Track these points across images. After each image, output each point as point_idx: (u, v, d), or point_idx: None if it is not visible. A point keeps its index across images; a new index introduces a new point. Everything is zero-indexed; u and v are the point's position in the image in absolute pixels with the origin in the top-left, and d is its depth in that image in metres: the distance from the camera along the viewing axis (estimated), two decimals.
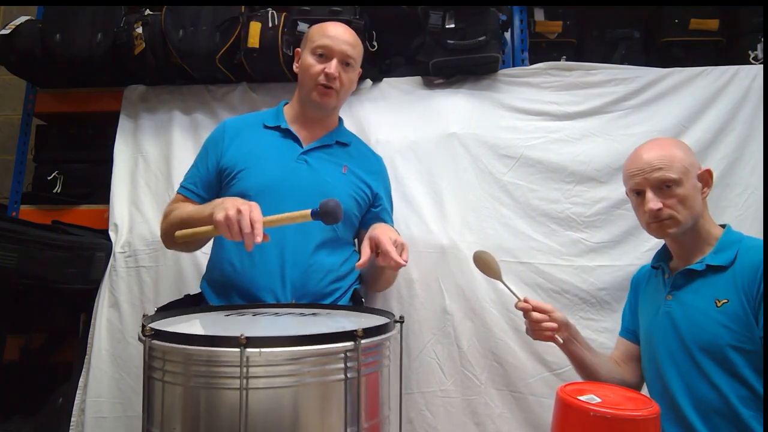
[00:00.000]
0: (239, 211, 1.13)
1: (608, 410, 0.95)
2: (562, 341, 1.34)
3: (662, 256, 1.41)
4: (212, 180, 1.52)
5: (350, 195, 1.52)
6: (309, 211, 1.17)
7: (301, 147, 1.54)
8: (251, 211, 1.14)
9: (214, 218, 1.16)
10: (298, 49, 1.60)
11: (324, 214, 1.17)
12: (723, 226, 1.33)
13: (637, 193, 1.32)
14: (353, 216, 1.54)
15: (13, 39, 2.12)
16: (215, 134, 1.59)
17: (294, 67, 1.61)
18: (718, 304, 1.21)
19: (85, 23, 2.07)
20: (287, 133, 1.55)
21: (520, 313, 1.76)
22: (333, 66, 1.49)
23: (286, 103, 1.64)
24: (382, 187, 1.64)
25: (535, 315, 1.32)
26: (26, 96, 2.30)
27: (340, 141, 1.60)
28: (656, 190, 1.27)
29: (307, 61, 1.52)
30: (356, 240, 1.65)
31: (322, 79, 1.49)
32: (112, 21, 2.07)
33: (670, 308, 1.29)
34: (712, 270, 1.25)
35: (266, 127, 1.56)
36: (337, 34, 1.52)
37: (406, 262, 1.29)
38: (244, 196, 1.43)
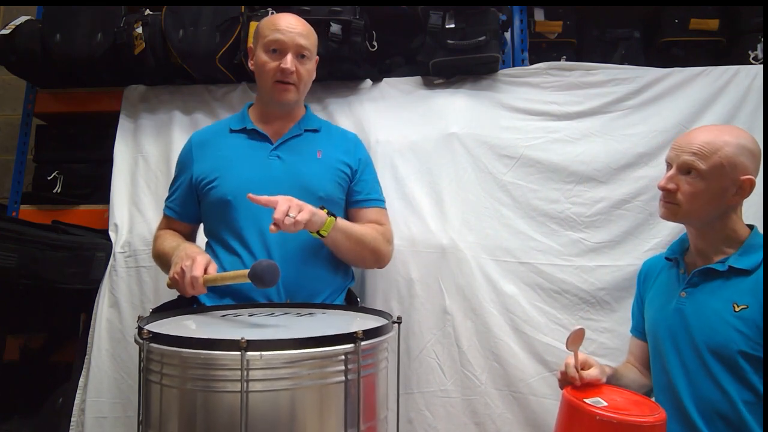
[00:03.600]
0: (182, 270, 1.23)
1: (614, 415, 0.95)
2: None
3: (679, 248, 1.37)
4: (187, 197, 1.56)
5: (330, 179, 1.51)
6: (246, 271, 1.12)
7: (272, 144, 1.53)
8: (192, 268, 1.21)
9: (169, 276, 1.29)
10: (251, 46, 1.57)
11: (253, 277, 1.10)
12: (750, 226, 1.28)
13: (668, 165, 1.27)
14: (338, 199, 1.54)
15: (13, 39, 2.12)
16: (183, 151, 1.61)
17: (249, 64, 1.58)
18: (736, 309, 1.17)
19: (85, 23, 2.07)
20: (255, 134, 1.55)
21: (520, 313, 1.78)
22: (288, 61, 1.46)
23: (251, 105, 1.64)
24: (357, 161, 1.60)
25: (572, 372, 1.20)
26: (26, 96, 2.30)
27: (309, 128, 1.58)
28: (680, 171, 1.23)
29: (261, 58, 1.50)
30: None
31: (278, 75, 1.47)
32: (112, 21, 2.06)
33: (683, 305, 1.25)
34: (735, 272, 1.20)
35: (233, 131, 1.56)
36: (289, 26, 1.48)
37: (286, 221, 1.23)
38: (223, 202, 1.46)
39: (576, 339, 1.17)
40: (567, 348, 1.18)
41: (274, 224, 1.22)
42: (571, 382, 1.17)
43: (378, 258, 1.55)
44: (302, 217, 1.24)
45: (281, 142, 1.53)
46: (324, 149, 1.55)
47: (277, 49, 1.47)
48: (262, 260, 1.13)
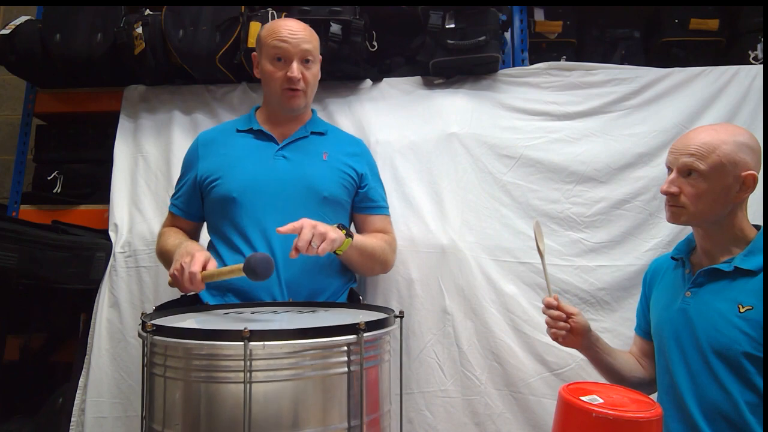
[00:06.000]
0: (181, 266, 1.23)
1: (610, 411, 0.95)
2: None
3: (685, 248, 1.36)
4: (192, 195, 1.57)
5: (335, 181, 1.52)
6: (241, 265, 1.12)
7: (277, 144, 1.54)
8: (191, 264, 1.22)
9: (169, 273, 1.29)
10: (255, 54, 1.58)
11: (247, 270, 1.09)
12: (757, 227, 1.26)
13: (669, 170, 1.27)
14: (344, 201, 1.55)
15: (13, 39, 2.12)
16: (190, 150, 1.62)
17: (255, 72, 1.59)
18: (741, 310, 1.16)
19: (85, 23, 2.07)
20: (261, 134, 1.56)
21: (520, 313, 1.78)
22: (294, 69, 1.47)
23: (258, 107, 1.65)
24: (366, 167, 1.63)
25: (553, 312, 1.32)
26: (26, 96, 2.30)
27: (315, 131, 1.60)
28: (681, 173, 1.22)
29: (266, 68, 1.51)
30: (353, 225, 1.66)
31: (285, 83, 1.49)
32: (112, 21, 2.07)
33: (687, 305, 1.24)
34: (740, 273, 1.19)
35: (239, 131, 1.58)
36: (291, 33, 1.48)
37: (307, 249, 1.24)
38: (227, 199, 1.47)
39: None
40: (537, 246, 1.38)
41: (295, 250, 1.22)
42: (552, 310, 1.33)
43: (384, 267, 1.62)
44: (323, 248, 1.25)
45: (287, 143, 1.55)
46: (330, 151, 1.56)
47: (282, 58, 1.48)
48: (255, 253, 1.13)
